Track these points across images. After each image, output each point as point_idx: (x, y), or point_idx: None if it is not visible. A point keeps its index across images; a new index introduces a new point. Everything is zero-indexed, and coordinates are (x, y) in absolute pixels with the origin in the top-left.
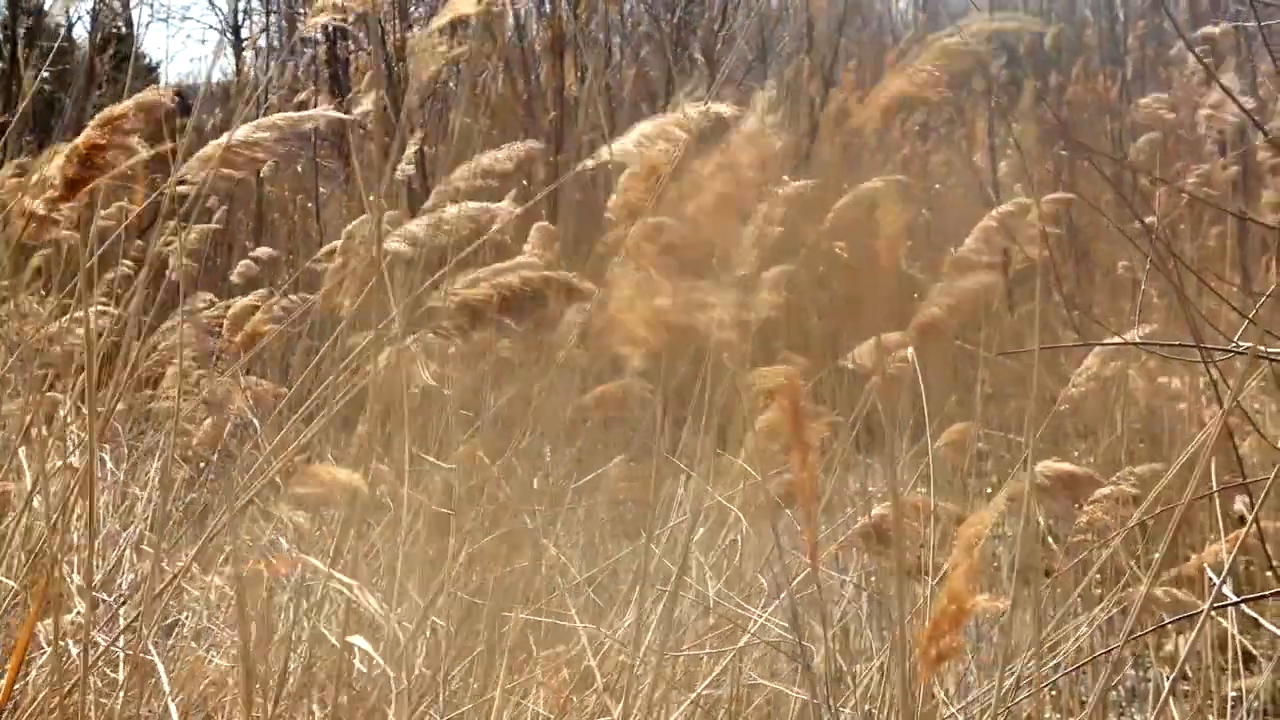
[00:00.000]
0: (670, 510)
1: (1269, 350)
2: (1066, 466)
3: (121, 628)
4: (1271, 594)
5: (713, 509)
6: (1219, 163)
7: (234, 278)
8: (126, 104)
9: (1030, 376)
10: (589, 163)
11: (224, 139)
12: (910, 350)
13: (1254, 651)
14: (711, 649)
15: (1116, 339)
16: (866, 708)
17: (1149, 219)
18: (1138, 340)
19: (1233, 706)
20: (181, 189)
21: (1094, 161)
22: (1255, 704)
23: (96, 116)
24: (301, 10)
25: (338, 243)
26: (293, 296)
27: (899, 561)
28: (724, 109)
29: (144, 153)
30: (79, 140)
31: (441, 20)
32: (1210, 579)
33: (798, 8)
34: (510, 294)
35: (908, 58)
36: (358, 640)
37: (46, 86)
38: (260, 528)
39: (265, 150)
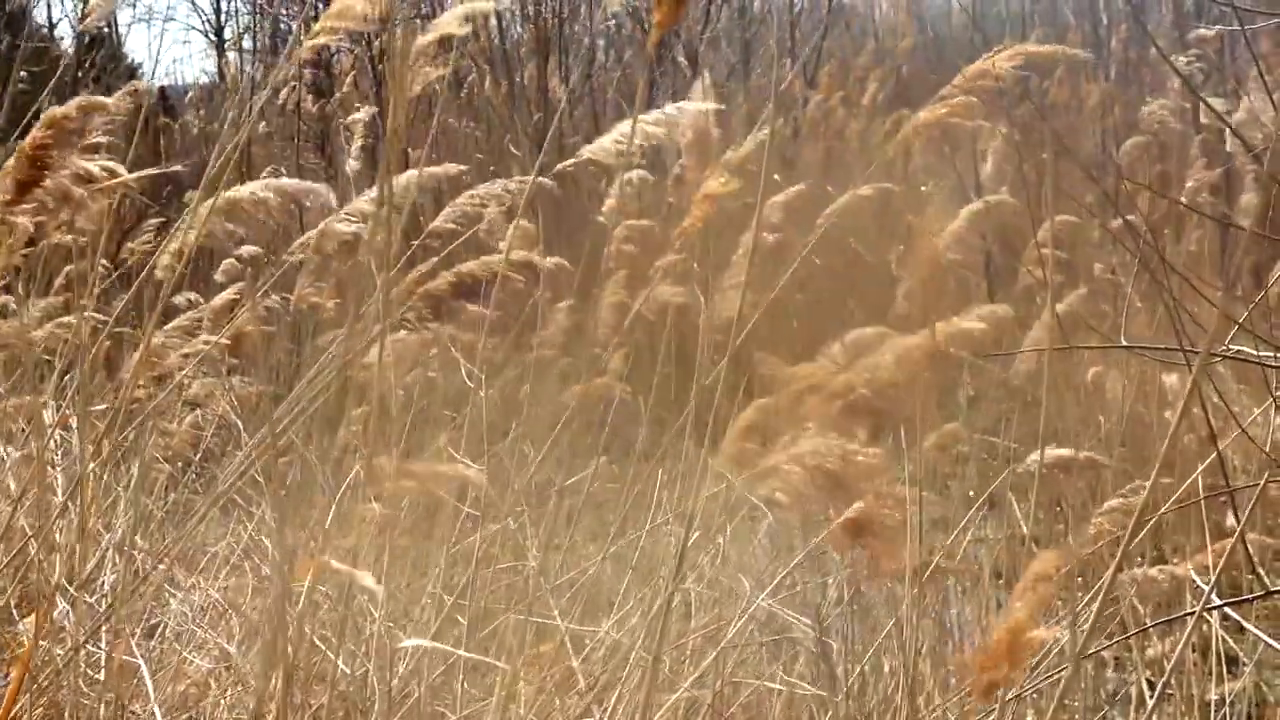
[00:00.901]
0: (655, 512)
1: (1259, 353)
2: (1063, 452)
3: (99, 624)
4: (1255, 597)
5: (704, 507)
6: (1200, 163)
7: (218, 276)
8: (69, 105)
9: (1012, 379)
10: (569, 163)
11: (234, 194)
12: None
13: (1238, 651)
14: (702, 648)
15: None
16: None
17: (1132, 218)
18: (1124, 343)
19: (1215, 710)
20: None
21: (1079, 163)
22: (1239, 707)
23: (41, 117)
24: (284, 12)
25: (312, 234)
26: (275, 297)
27: (912, 569)
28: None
29: (94, 166)
30: (25, 142)
31: (430, 38)
32: (1195, 583)
33: (781, 9)
34: (472, 280)
35: (886, 57)
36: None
37: (26, 87)
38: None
39: (270, 211)
